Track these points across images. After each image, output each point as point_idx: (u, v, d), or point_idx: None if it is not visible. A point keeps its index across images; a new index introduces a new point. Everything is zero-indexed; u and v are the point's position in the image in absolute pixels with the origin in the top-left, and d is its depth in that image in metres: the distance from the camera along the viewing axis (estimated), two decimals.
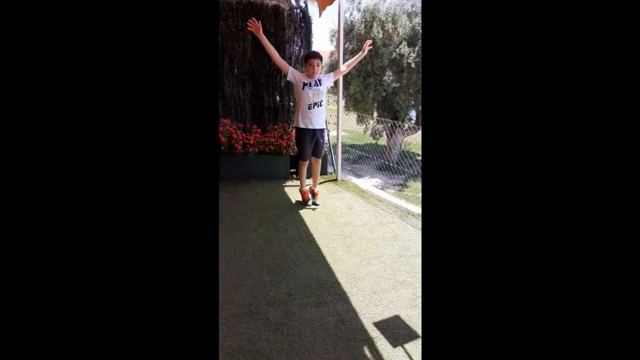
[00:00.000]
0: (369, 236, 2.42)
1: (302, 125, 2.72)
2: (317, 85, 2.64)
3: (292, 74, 2.66)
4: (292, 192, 3.26)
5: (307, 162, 2.87)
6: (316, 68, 2.57)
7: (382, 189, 5.38)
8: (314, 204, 2.94)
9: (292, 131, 3.47)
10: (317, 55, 2.61)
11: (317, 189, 3.03)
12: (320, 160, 2.93)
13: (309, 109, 2.65)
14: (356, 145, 8.34)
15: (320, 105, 2.69)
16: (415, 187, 6.53)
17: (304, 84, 2.62)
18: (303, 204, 2.96)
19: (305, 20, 3.70)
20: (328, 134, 3.78)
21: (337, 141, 3.59)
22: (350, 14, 8.37)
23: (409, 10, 8.05)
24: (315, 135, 2.76)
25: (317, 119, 2.71)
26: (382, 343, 1.44)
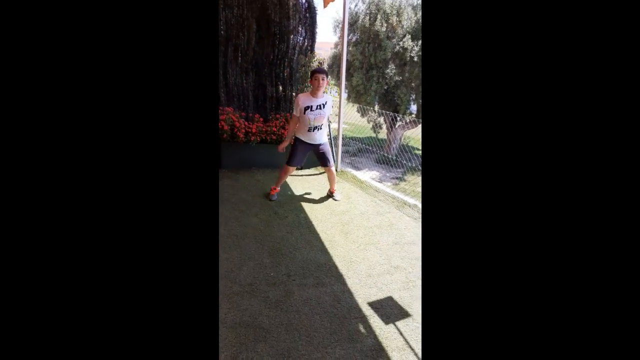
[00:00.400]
0: (366, 224, 2.51)
1: (300, 138, 2.76)
2: (320, 109, 2.63)
3: (295, 109, 2.69)
4: (292, 181, 3.33)
5: (292, 169, 2.84)
6: (321, 82, 2.58)
7: (380, 182, 5.46)
8: (333, 199, 2.97)
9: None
10: (322, 71, 2.63)
11: (334, 187, 3.03)
12: (331, 169, 2.88)
13: (309, 131, 2.68)
14: (356, 138, 8.39)
15: (321, 129, 2.72)
16: (412, 180, 6.61)
17: (305, 109, 2.61)
18: (266, 196, 2.90)
19: (310, 10, 3.71)
20: (329, 125, 3.81)
21: (338, 133, 3.65)
22: (355, 5, 8.33)
23: (414, 3, 8.01)
24: (312, 149, 2.78)
25: (317, 137, 2.73)
26: (375, 320, 1.54)
